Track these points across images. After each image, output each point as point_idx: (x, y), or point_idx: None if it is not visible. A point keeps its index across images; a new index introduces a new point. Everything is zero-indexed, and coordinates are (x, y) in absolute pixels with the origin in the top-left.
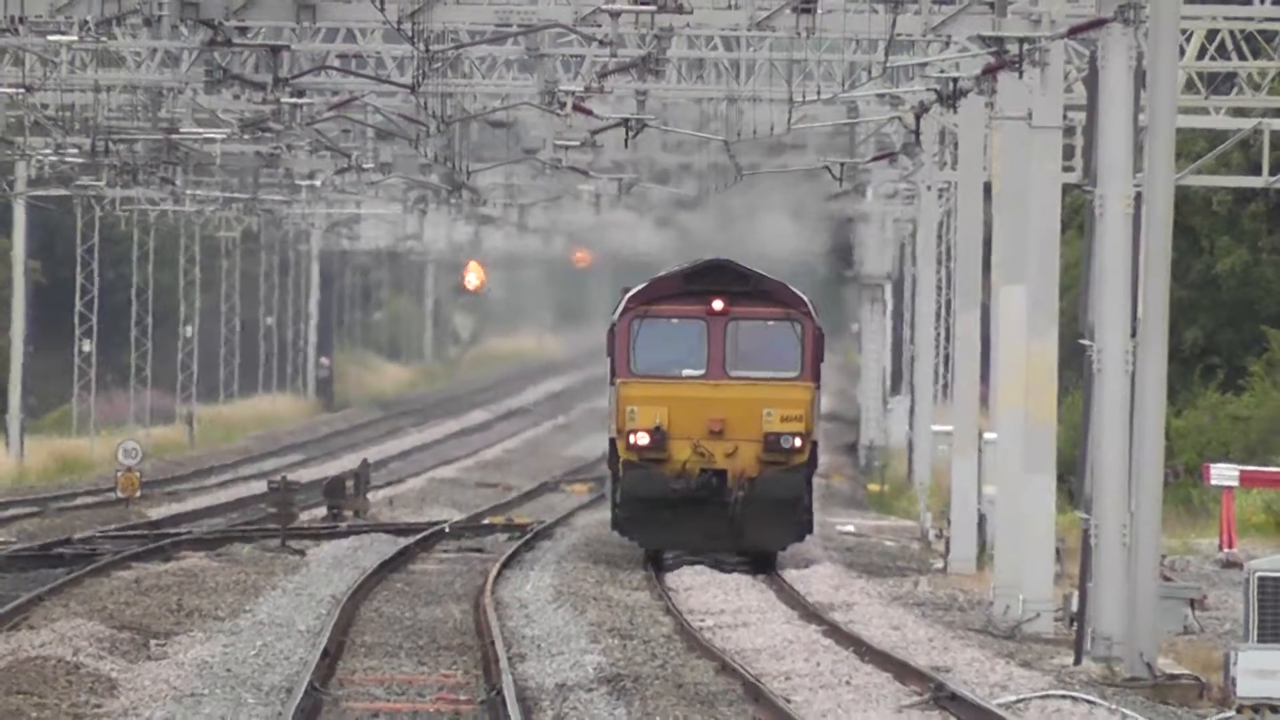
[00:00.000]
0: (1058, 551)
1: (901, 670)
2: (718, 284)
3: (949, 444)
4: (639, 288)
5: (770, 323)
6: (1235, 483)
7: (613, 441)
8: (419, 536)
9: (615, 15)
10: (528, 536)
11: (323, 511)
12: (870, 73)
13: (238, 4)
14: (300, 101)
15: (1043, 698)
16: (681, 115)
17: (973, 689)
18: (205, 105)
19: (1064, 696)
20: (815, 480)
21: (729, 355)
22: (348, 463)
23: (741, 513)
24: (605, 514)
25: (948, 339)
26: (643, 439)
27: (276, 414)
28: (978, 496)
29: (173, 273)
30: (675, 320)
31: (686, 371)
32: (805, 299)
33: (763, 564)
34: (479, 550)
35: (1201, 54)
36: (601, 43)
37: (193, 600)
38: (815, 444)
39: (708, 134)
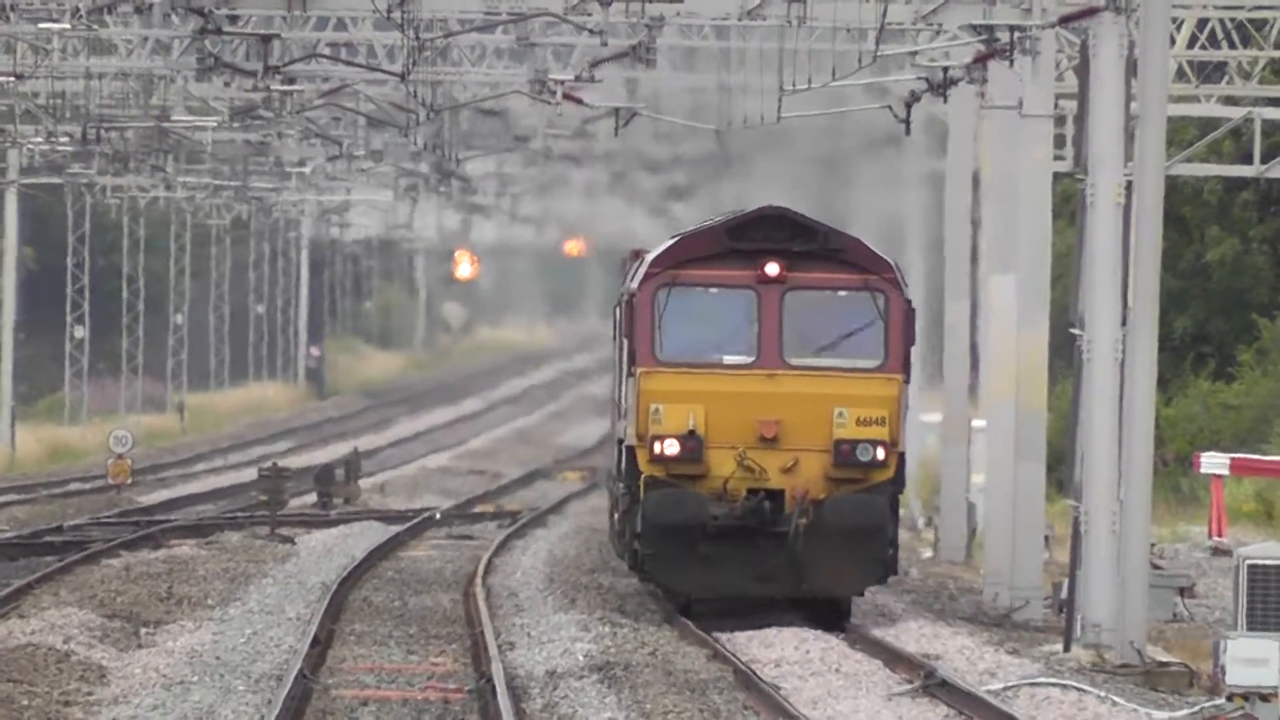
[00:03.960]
0: (1047, 539)
1: (891, 658)
2: (772, 241)
3: (936, 433)
4: (664, 247)
5: (843, 293)
6: (1225, 471)
7: (630, 450)
8: (409, 524)
9: (606, 4)
10: (519, 524)
11: (313, 498)
12: (860, 61)
13: None
14: (291, 89)
15: (1032, 685)
16: (673, 104)
17: (962, 676)
18: (196, 93)
19: (1053, 684)
20: None
21: (787, 336)
22: (338, 450)
23: (804, 548)
24: (597, 501)
25: (931, 327)
26: (671, 448)
27: (267, 402)
28: (967, 485)
29: (163, 260)
30: (715, 290)
31: (730, 358)
32: (890, 261)
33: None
34: (469, 538)
35: (1192, 43)
36: (592, 32)
37: (183, 588)
38: (903, 456)
39: (698, 123)
